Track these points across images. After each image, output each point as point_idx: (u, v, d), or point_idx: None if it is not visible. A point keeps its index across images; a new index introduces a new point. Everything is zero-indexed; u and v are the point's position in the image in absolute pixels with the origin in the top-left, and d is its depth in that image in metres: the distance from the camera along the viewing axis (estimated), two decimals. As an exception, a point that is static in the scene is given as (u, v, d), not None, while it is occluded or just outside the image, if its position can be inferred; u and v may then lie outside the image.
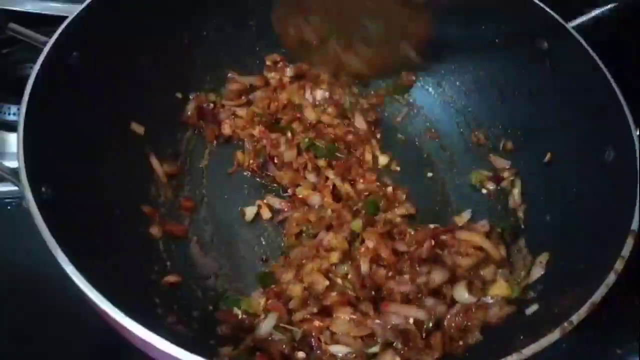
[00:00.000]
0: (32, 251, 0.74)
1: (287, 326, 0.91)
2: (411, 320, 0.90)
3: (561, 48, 1.04)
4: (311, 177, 1.11)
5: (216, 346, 0.88)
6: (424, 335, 0.89)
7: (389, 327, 0.89)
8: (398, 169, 1.19)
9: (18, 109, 0.86)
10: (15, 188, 0.79)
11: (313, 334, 0.90)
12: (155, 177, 1.08)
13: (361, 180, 1.12)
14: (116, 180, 0.97)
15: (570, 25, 1.03)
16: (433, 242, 0.98)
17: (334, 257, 0.97)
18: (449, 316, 0.91)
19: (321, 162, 1.12)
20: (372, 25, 1.14)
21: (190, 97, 1.19)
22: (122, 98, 1.02)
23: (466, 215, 1.10)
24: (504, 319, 0.90)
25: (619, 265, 0.76)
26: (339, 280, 0.96)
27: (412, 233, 1.02)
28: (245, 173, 1.15)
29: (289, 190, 1.11)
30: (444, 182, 1.18)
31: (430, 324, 0.90)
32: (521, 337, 0.73)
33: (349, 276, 0.96)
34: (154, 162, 1.08)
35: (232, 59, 1.23)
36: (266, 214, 1.09)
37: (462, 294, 0.94)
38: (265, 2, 1.20)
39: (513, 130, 1.16)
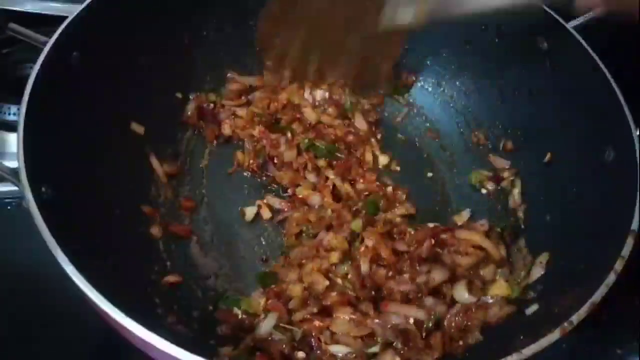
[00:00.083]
0: (32, 251, 0.74)
1: (287, 326, 0.91)
2: (411, 320, 0.90)
3: (561, 48, 1.04)
4: (311, 177, 1.11)
5: (216, 346, 0.88)
6: (424, 335, 0.89)
7: (389, 326, 0.89)
8: (398, 169, 1.19)
9: (18, 109, 0.86)
10: (15, 188, 0.79)
11: (313, 333, 0.90)
12: (155, 177, 1.08)
13: (361, 180, 1.12)
14: (116, 180, 0.97)
15: (570, 25, 1.03)
16: (433, 242, 0.98)
17: (334, 257, 0.97)
18: (448, 316, 0.91)
19: (321, 162, 1.12)
20: (353, 42, 1.13)
21: (190, 97, 1.19)
22: (122, 98, 1.02)
23: (466, 215, 1.11)
24: (504, 319, 0.90)
25: (619, 265, 0.76)
26: (339, 280, 0.96)
27: (412, 233, 1.02)
28: (245, 173, 1.15)
29: (289, 190, 1.11)
30: (444, 182, 1.18)
31: (430, 324, 0.90)
32: (521, 337, 0.73)
33: (349, 276, 0.96)
34: (154, 162, 1.08)
35: (232, 59, 1.23)
36: (266, 214, 1.09)
37: (462, 293, 0.94)
38: (265, 2, 1.20)
39: (513, 130, 1.16)
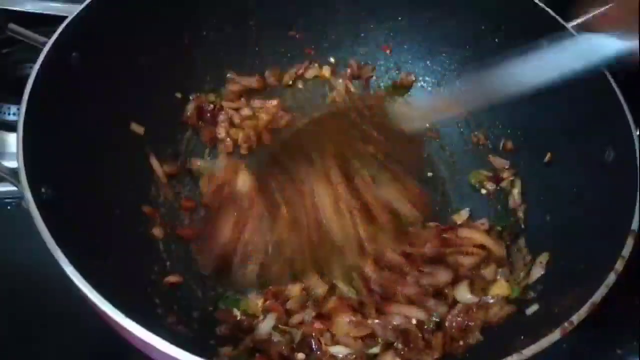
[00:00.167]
0: (32, 251, 0.74)
1: (286, 328, 0.91)
2: (413, 321, 0.90)
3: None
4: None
5: (216, 346, 0.88)
6: (424, 335, 0.89)
7: (389, 327, 0.89)
8: (398, 168, 1.19)
9: (18, 109, 0.86)
10: (15, 188, 0.79)
11: (313, 334, 0.90)
12: (155, 177, 1.08)
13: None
14: (116, 180, 0.97)
15: (570, 25, 1.03)
16: (439, 242, 0.98)
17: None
18: (449, 316, 0.91)
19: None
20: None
21: (190, 97, 1.19)
22: (122, 98, 1.02)
23: (465, 214, 1.11)
24: (505, 319, 0.90)
25: (619, 265, 0.76)
26: (341, 285, 0.95)
27: (415, 233, 1.01)
28: (245, 173, 1.15)
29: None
30: (444, 182, 1.18)
31: (431, 325, 0.90)
32: (521, 338, 0.73)
33: (353, 282, 0.96)
34: (154, 162, 1.08)
35: (232, 59, 1.23)
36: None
37: (464, 294, 0.94)
38: (266, 2, 1.20)
39: (513, 130, 1.16)
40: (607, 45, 0.77)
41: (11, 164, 0.81)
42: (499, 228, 1.05)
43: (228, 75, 1.23)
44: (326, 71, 1.27)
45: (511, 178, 1.13)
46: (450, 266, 0.96)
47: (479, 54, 1.18)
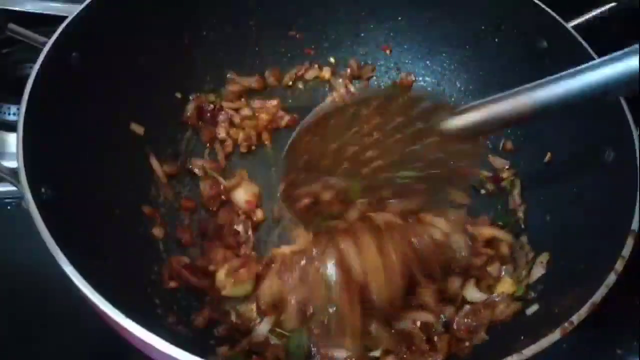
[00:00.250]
0: (32, 251, 0.74)
1: (283, 332, 0.90)
2: (418, 324, 0.89)
3: (561, 48, 1.04)
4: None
5: (216, 346, 0.88)
6: (431, 338, 0.89)
7: (392, 331, 0.88)
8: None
9: (18, 109, 0.86)
10: (15, 188, 0.79)
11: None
12: (155, 177, 1.08)
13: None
14: (116, 181, 0.97)
15: (570, 25, 1.03)
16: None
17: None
18: (457, 317, 0.91)
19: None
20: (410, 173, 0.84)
21: (190, 97, 1.18)
22: (122, 98, 1.02)
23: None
24: (511, 317, 0.90)
25: (619, 265, 0.76)
26: None
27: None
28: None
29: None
30: (444, 182, 1.18)
31: (440, 327, 0.90)
32: (522, 338, 0.73)
33: None
34: (154, 162, 1.08)
35: (232, 59, 1.23)
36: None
37: (472, 293, 0.94)
38: (265, 2, 1.20)
39: (513, 130, 1.16)
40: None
41: (11, 164, 0.81)
42: (500, 222, 1.05)
43: (228, 75, 1.23)
44: (326, 72, 1.27)
45: (511, 178, 1.13)
46: (461, 268, 0.95)
47: (479, 54, 1.18)
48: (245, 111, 1.21)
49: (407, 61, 1.27)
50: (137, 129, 1.06)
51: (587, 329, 0.72)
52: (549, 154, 1.06)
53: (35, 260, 0.78)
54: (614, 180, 0.89)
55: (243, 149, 1.17)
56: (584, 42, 1.00)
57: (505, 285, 0.96)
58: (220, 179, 1.09)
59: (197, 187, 1.11)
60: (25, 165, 0.77)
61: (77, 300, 0.69)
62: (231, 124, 1.19)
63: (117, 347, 0.78)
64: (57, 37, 0.89)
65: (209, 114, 1.19)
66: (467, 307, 0.93)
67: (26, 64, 1.22)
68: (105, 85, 0.97)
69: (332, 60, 1.29)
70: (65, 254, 0.69)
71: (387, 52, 1.27)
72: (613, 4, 1.09)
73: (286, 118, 1.21)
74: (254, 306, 0.94)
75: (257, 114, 1.21)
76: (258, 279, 0.94)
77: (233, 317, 0.93)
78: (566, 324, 0.71)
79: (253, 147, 1.18)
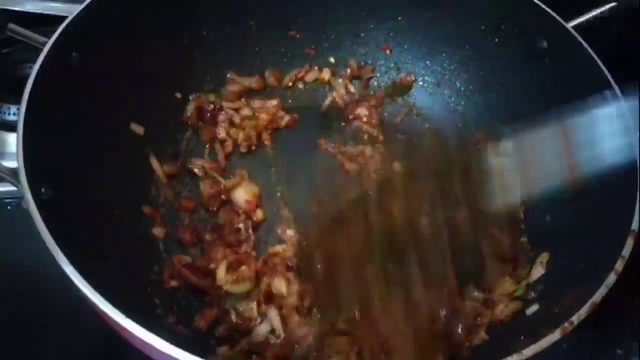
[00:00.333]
0: (32, 251, 0.74)
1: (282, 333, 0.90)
2: None
3: (561, 48, 1.04)
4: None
5: (216, 346, 0.88)
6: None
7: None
8: (398, 168, 1.19)
9: (18, 109, 0.86)
10: (15, 188, 0.79)
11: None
12: (155, 177, 1.08)
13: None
14: (116, 181, 0.97)
15: (570, 25, 1.03)
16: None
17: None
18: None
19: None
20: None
21: (190, 97, 1.18)
22: (122, 98, 1.01)
23: None
24: (510, 317, 0.90)
25: (619, 265, 0.76)
26: None
27: None
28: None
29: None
30: (444, 182, 1.18)
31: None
32: (522, 338, 0.73)
33: None
34: (154, 162, 1.08)
35: (232, 59, 1.23)
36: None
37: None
38: (265, 2, 1.20)
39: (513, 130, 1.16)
40: None
41: (11, 164, 0.81)
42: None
43: (228, 75, 1.23)
44: (326, 74, 1.27)
45: (511, 178, 1.13)
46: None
47: (479, 54, 1.18)
48: (245, 111, 1.21)
49: (407, 61, 1.27)
50: (137, 129, 1.06)
51: (587, 329, 0.72)
52: (549, 154, 1.06)
53: (35, 260, 0.78)
54: (614, 180, 0.89)
55: (243, 149, 1.17)
56: (584, 42, 1.00)
57: (505, 285, 0.96)
58: (220, 179, 1.09)
59: (197, 187, 1.10)
60: (25, 165, 0.77)
61: (77, 300, 0.69)
62: (231, 124, 1.19)
63: (117, 347, 0.78)
64: (57, 37, 0.89)
65: (209, 114, 1.19)
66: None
67: (26, 64, 1.22)
68: (105, 85, 0.97)
69: (332, 60, 1.29)
70: (65, 254, 0.69)
71: (387, 52, 1.28)
72: (613, 4, 1.09)
73: (286, 118, 1.21)
74: (254, 305, 0.94)
75: (257, 114, 1.21)
76: (258, 276, 0.95)
77: (233, 317, 0.93)
78: (566, 324, 0.71)
79: (253, 147, 1.18)
